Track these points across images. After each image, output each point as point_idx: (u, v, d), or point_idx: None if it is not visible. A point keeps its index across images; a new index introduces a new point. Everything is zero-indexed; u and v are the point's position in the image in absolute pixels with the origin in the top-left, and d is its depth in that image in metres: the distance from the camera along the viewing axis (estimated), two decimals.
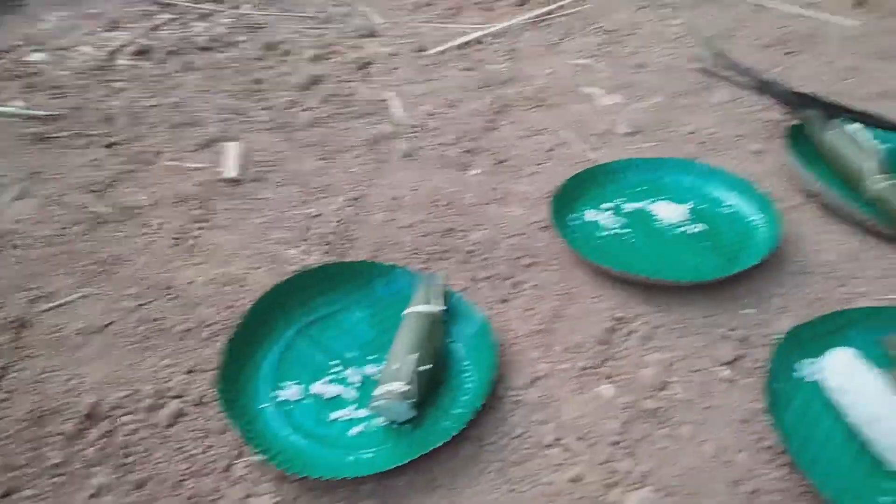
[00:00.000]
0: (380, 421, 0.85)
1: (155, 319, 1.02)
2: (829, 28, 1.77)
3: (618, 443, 0.81)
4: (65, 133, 1.49)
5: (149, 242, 1.17)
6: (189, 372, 0.94)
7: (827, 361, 0.84)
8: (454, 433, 0.80)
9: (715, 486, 0.76)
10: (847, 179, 1.16)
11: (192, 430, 0.86)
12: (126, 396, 0.90)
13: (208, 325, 1.01)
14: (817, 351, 0.86)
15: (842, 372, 0.81)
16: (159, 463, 0.82)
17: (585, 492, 0.77)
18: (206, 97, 1.62)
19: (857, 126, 1.22)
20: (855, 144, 1.17)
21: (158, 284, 1.08)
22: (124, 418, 0.87)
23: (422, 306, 0.94)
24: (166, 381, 0.92)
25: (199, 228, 1.20)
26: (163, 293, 1.07)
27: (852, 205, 1.08)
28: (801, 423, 0.80)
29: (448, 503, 0.77)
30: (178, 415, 0.88)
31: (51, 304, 1.05)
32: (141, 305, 1.04)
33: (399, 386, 0.83)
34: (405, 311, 0.94)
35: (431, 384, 0.87)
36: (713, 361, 0.90)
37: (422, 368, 0.86)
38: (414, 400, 0.83)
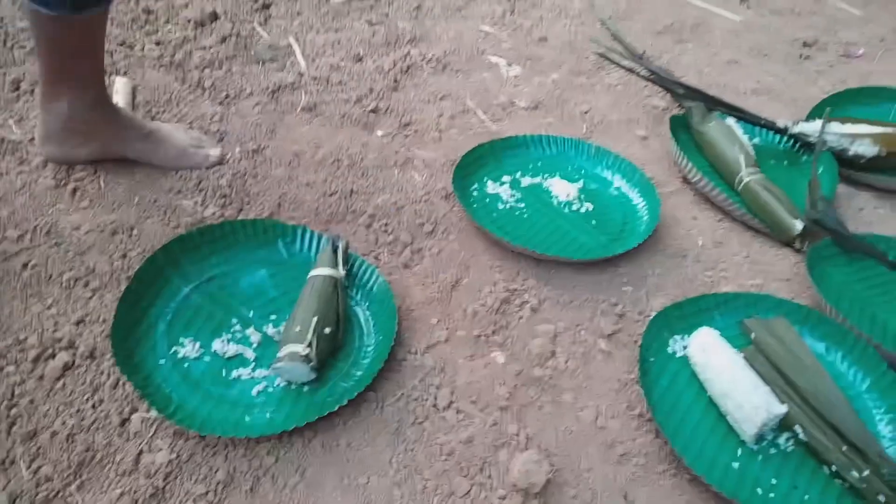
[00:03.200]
0: (280, 382, 0.86)
1: (37, 265, 0.97)
2: (717, 20, 1.89)
3: (506, 407, 0.88)
4: None
5: (28, 182, 1.10)
6: (78, 323, 0.90)
7: (692, 339, 0.94)
8: (351, 397, 0.83)
9: (590, 448, 0.85)
10: (721, 170, 1.28)
11: (83, 385, 0.83)
12: (9, 346, 0.86)
13: (98, 275, 0.97)
14: (686, 329, 0.97)
15: (704, 350, 0.91)
16: (47, 416, 0.80)
17: (476, 452, 0.83)
18: None
19: (732, 120, 1.34)
20: (731, 138, 1.29)
21: (41, 228, 1.02)
22: (9, 368, 0.84)
23: (325, 269, 0.95)
24: (53, 332, 0.88)
25: (84, 170, 1.14)
26: (47, 238, 1.01)
27: (724, 194, 1.19)
28: (667, 393, 0.90)
29: (346, 461, 0.80)
30: (67, 367, 0.85)
31: None
32: (23, 250, 0.98)
33: (300, 348, 0.84)
34: (309, 274, 0.95)
35: (332, 346, 0.90)
36: (594, 334, 0.98)
37: (324, 331, 0.88)
38: (314, 363, 0.85)
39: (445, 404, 0.87)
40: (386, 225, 1.13)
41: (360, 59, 1.56)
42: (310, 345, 0.85)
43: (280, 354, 0.85)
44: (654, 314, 0.97)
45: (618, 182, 1.25)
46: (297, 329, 0.87)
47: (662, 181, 1.28)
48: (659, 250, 1.14)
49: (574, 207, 1.19)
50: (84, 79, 1.04)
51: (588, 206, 1.19)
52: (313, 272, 0.95)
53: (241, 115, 1.33)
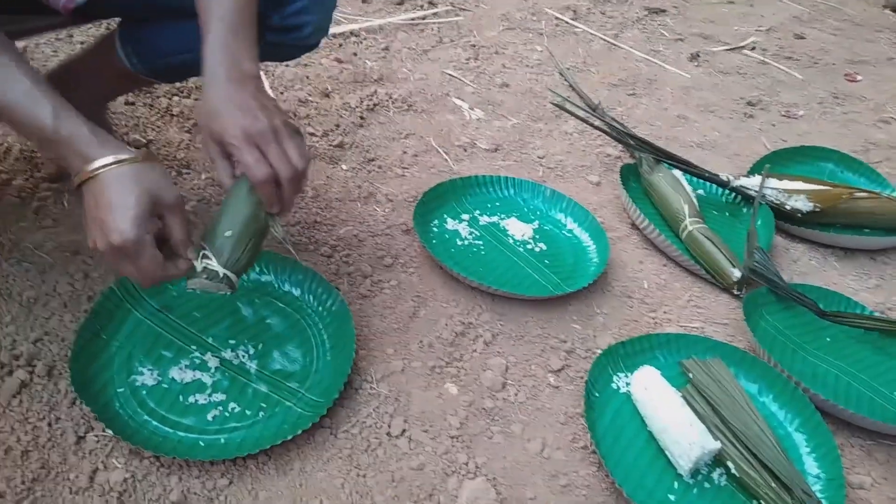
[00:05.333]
0: (194, 289, 0.80)
1: None
2: (668, 76, 2.00)
3: (457, 437, 0.91)
4: None
5: None
6: (37, 342, 0.91)
7: (635, 377, 0.99)
8: (306, 427, 0.85)
9: (536, 478, 0.88)
10: (667, 218, 1.35)
11: (40, 402, 0.84)
12: None
13: (59, 295, 0.97)
14: (630, 367, 1.02)
15: (645, 387, 0.96)
16: (2, 432, 0.80)
17: (426, 479, 0.85)
18: None
19: (679, 172, 1.42)
20: (677, 188, 1.36)
21: (3, 245, 1.03)
22: None
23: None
24: (11, 349, 0.89)
25: (48, 190, 1.15)
26: (9, 256, 1.01)
27: (669, 241, 1.26)
28: (611, 428, 0.94)
29: (299, 486, 0.82)
30: (24, 384, 0.85)
31: None
32: None
33: (218, 268, 0.78)
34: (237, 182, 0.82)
35: (250, 258, 0.83)
36: (544, 368, 1.03)
37: (243, 249, 0.81)
38: (232, 285, 0.80)
39: (398, 432, 0.90)
40: (347, 256, 1.17)
41: (327, 95, 1.60)
42: (228, 264, 0.79)
43: (199, 269, 0.78)
44: (600, 352, 1.02)
45: (570, 224, 1.31)
46: (219, 242, 0.80)
47: (612, 225, 1.35)
48: (607, 291, 1.20)
49: (529, 247, 1.24)
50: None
51: (542, 246, 1.25)
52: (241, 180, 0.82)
53: None
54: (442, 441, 0.90)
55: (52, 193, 1.14)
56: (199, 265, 0.79)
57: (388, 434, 0.90)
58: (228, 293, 0.81)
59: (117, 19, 1.04)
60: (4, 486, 0.75)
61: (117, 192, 0.70)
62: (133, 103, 1.40)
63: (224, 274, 0.79)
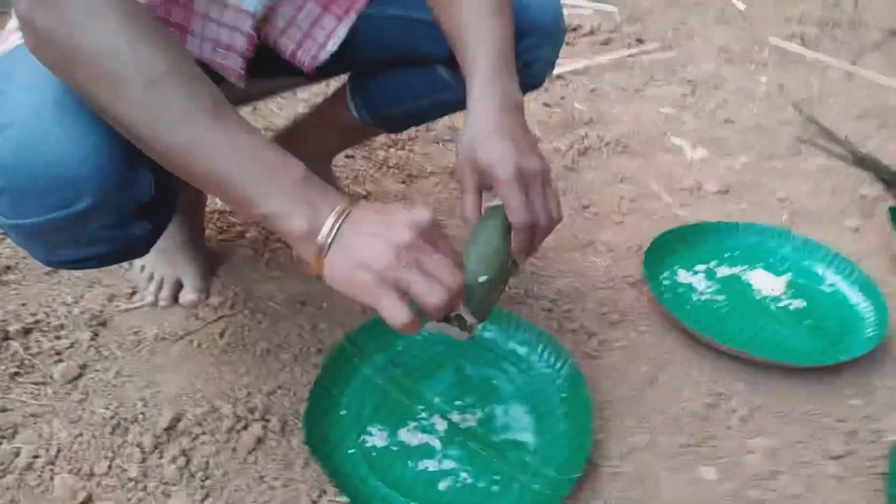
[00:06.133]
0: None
1: (234, 334, 0.99)
2: None
3: None
4: None
5: (229, 248, 1.15)
6: (270, 394, 0.90)
7: None
8: None
9: None
10: None
11: (274, 460, 0.82)
12: (205, 414, 0.87)
13: (289, 347, 0.97)
14: None
15: None
16: (238, 491, 0.79)
17: None
18: None
19: None
20: None
21: (239, 296, 1.06)
22: (204, 437, 0.84)
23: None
24: (247, 402, 0.89)
25: (278, 241, 1.18)
26: (243, 307, 1.04)
27: None
28: None
29: None
30: (260, 440, 0.84)
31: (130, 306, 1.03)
32: (222, 317, 1.01)
33: (469, 316, 0.67)
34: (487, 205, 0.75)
35: (490, 301, 0.72)
36: (821, 454, 0.86)
37: (494, 297, 0.72)
38: (473, 334, 0.70)
39: None
40: (569, 312, 1.08)
41: (537, 141, 1.54)
42: (475, 312, 0.68)
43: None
44: (893, 437, 0.84)
45: (831, 278, 1.12)
46: (473, 285, 0.68)
47: (884, 279, 1.14)
48: (887, 358, 0.99)
49: (782, 304, 1.07)
50: None
51: (799, 303, 1.07)
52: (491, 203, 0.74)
53: (422, 192, 1.34)
54: None
55: (282, 245, 1.16)
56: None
57: None
58: (465, 339, 0.71)
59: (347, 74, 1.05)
60: None
61: (380, 210, 0.60)
62: (352, 156, 1.43)
63: (472, 322, 0.69)
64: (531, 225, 0.70)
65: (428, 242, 0.59)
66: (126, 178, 0.64)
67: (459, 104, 0.78)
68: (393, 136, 1.49)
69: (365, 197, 1.31)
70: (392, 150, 1.46)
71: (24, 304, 1.00)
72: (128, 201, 0.66)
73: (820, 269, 1.14)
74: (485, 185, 0.72)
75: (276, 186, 0.57)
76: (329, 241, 0.57)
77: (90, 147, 0.61)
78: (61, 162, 0.61)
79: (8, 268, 1.07)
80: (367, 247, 0.57)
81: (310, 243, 0.58)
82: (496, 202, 0.74)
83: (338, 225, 0.58)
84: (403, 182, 1.37)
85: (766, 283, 1.11)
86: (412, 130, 1.53)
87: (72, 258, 0.69)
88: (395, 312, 0.57)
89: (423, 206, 0.61)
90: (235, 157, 0.56)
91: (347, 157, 1.43)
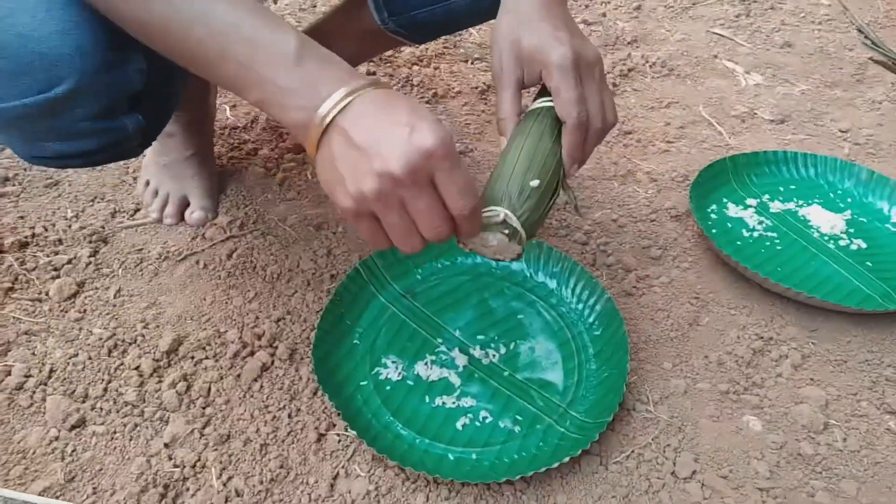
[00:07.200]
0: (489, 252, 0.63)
1: (242, 256, 0.92)
2: None
3: (767, 490, 0.70)
4: None
5: (239, 168, 1.07)
6: (279, 321, 0.84)
7: None
8: (574, 454, 0.68)
9: None
10: None
11: (280, 389, 0.76)
12: (209, 337, 0.81)
13: (301, 272, 0.90)
14: None
15: None
16: (242, 420, 0.73)
17: None
18: None
19: None
20: None
21: (249, 217, 0.98)
22: (207, 363, 0.78)
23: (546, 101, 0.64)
24: (254, 328, 0.83)
25: (293, 161, 1.10)
26: (253, 228, 0.97)
27: None
28: None
29: None
30: (265, 368, 0.78)
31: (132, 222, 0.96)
32: (230, 238, 0.94)
33: (516, 223, 0.60)
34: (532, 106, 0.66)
35: (543, 219, 0.64)
36: (879, 408, 0.78)
37: (545, 207, 0.62)
38: (520, 251, 0.63)
39: (687, 474, 0.70)
40: (605, 244, 0.99)
41: None
42: (521, 216, 0.60)
43: (495, 219, 0.60)
44: None
45: None
46: (522, 189, 0.60)
47: None
48: None
49: (842, 244, 0.97)
50: None
51: (860, 243, 0.97)
52: (538, 103, 0.65)
53: (449, 114, 1.25)
54: (748, 493, 0.69)
55: (296, 165, 1.09)
56: (497, 215, 0.59)
57: (674, 474, 0.71)
58: (509, 259, 0.63)
59: None
60: (242, 484, 0.68)
61: (391, 104, 0.51)
62: (374, 73, 1.33)
63: (520, 233, 0.60)
64: (587, 125, 0.60)
65: (431, 171, 0.50)
66: (111, 59, 0.56)
67: (496, 6, 0.67)
68: (417, 50, 1.39)
69: None
70: (416, 67, 1.36)
71: (21, 217, 0.94)
72: (114, 87, 0.58)
73: (884, 207, 1.03)
74: (530, 78, 0.62)
75: (271, 62, 0.51)
76: (320, 133, 0.51)
77: (70, 22, 0.53)
78: (38, 37, 0.53)
79: (6, 179, 1.01)
80: (353, 163, 0.50)
81: (303, 129, 0.52)
82: (540, 103, 0.65)
83: (334, 112, 0.50)
84: (428, 102, 1.27)
85: (824, 220, 1.01)
86: (439, 44, 1.42)
87: (55, 152, 0.62)
88: (375, 239, 0.53)
89: (436, 123, 0.50)
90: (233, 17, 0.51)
91: (368, 73, 1.33)
